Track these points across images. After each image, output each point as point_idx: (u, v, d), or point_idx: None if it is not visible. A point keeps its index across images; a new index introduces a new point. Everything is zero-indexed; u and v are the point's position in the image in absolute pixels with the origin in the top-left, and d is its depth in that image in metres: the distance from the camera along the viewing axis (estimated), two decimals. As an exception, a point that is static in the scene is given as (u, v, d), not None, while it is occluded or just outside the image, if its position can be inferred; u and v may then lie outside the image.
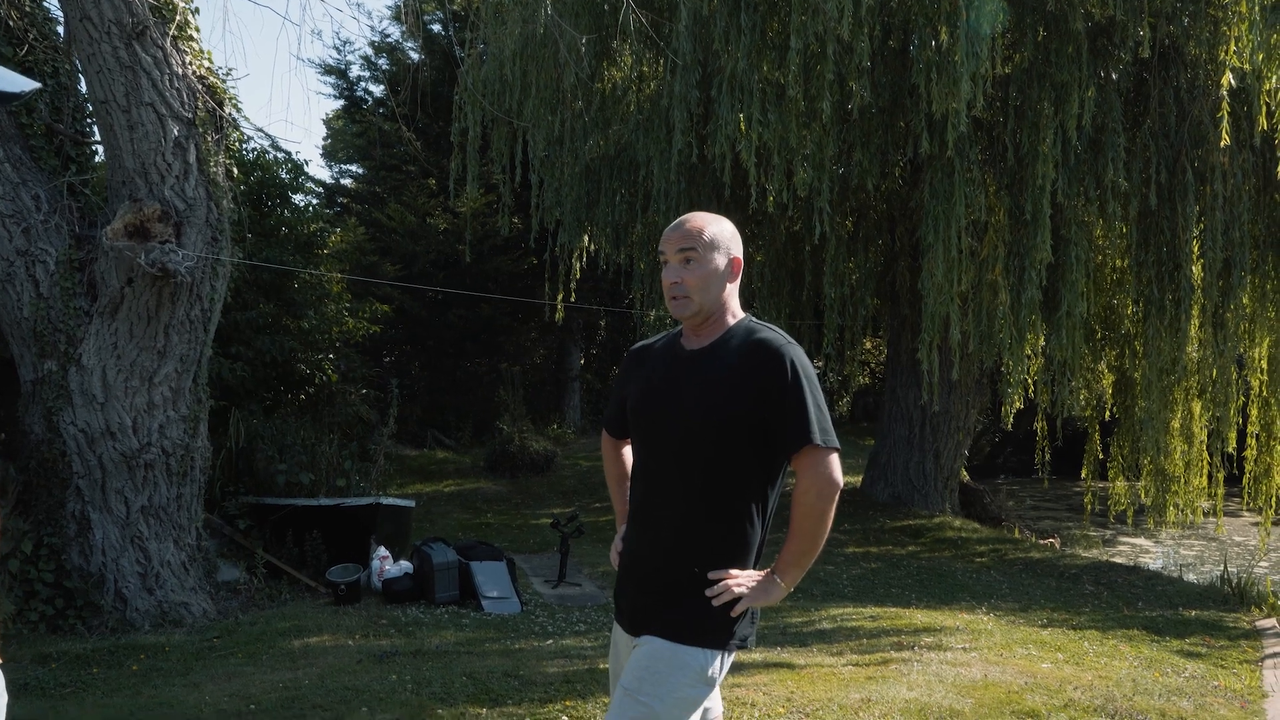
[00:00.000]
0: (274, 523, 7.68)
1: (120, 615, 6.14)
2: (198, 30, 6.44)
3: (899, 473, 12.79)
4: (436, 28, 18.23)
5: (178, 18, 6.21)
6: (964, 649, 5.68)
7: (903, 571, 9.36)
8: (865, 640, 6.01)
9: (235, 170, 6.96)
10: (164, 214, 6.08)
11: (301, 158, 13.91)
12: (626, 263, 13.09)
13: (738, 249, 2.63)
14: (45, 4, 6.70)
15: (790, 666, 5.17)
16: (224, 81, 6.60)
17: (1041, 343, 10.26)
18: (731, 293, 2.63)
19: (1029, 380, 10.89)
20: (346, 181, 21.22)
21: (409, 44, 18.73)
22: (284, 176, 11.73)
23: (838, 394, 22.27)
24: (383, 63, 19.48)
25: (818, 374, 3.08)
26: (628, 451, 2.92)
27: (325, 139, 24.39)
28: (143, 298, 6.11)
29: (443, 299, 16.84)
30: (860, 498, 12.91)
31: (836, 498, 2.51)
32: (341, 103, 20.12)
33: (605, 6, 11.41)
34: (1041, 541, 12.46)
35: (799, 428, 2.46)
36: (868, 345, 17.73)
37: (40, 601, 5.98)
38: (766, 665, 5.20)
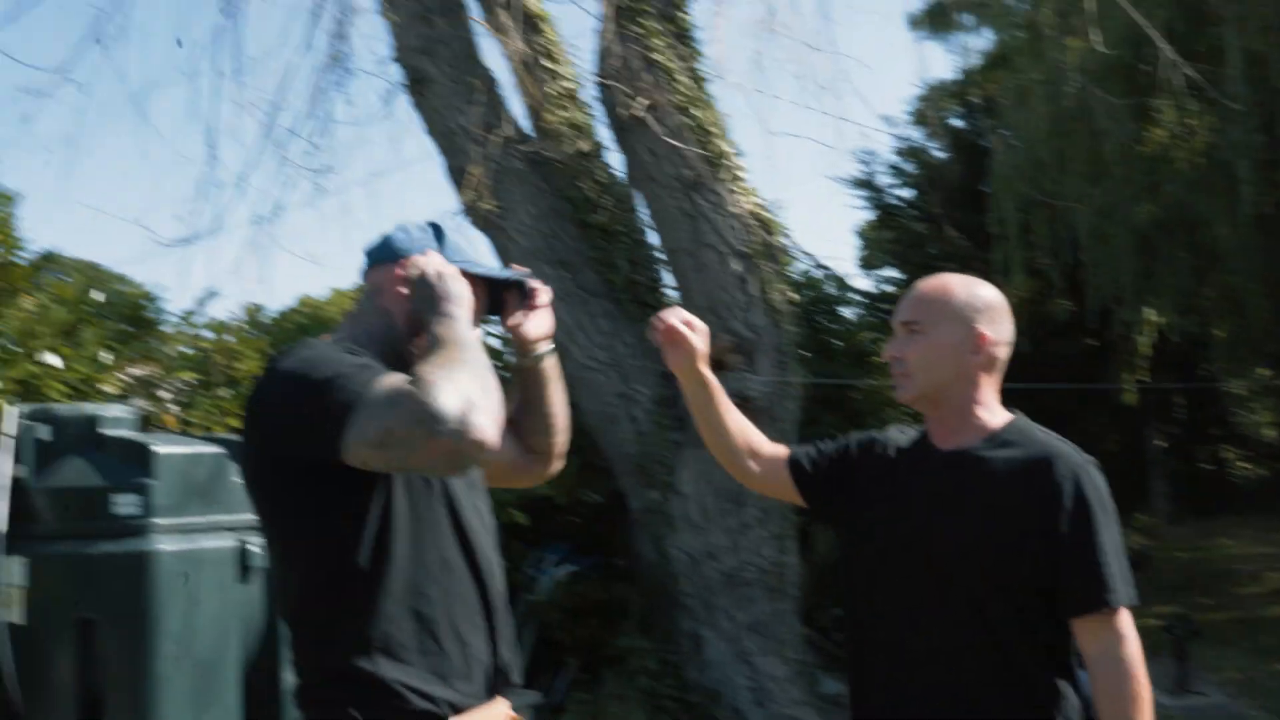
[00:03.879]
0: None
1: (737, 728, 6.45)
2: (745, 170, 6.91)
3: None
4: (958, 123, 18.19)
5: (727, 162, 6.72)
6: None
7: None
8: None
9: (793, 295, 7.30)
10: (736, 345, 6.50)
11: (843, 271, 14.49)
12: (1198, 331, 11.96)
13: (988, 324, 2.05)
14: (612, 171, 7.53)
15: None
16: (772, 213, 7.00)
17: None
18: (976, 378, 2.06)
19: None
20: (886, 288, 21.54)
21: (932, 145, 18.84)
22: (830, 291, 12.15)
23: None
24: (909, 166, 19.73)
25: None
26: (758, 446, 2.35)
27: (861, 250, 25.09)
28: (726, 424, 6.51)
29: (1001, 392, 16.36)
30: None
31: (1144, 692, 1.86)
32: (873, 213, 20.58)
33: (1139, 65, 10.76)
34: None
35: (1085, 582, 1.88)
36: None
37: (668, 715, 6.43)
38: None
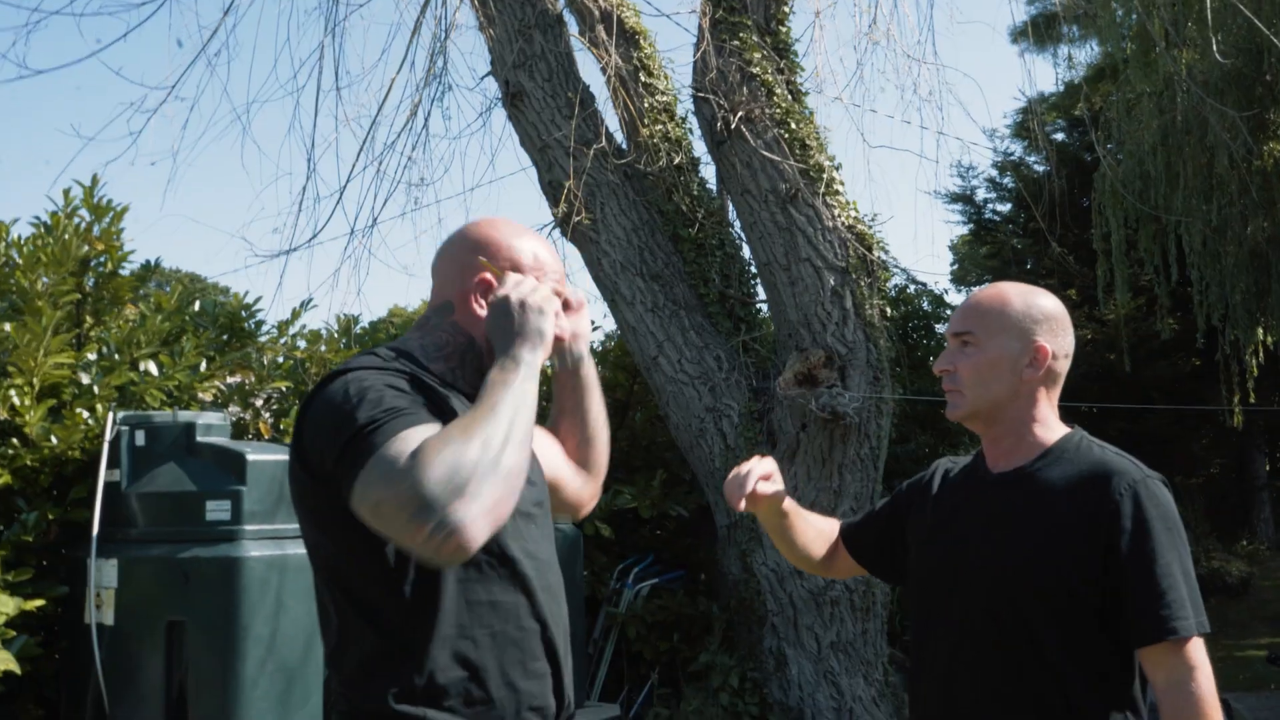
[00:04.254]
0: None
1: (821, 750, 6.34)
2: (843, 184, 6.81)
3: None
4: (1060, 136, 17.78)
5: (824, 175, 6.63)
6: None
7: None
8: None
9: (889, 310, 7.18)
10: (828, 360, 6.40)
11: (939, 287, 14.19)
12: (1312, 353, 11.52)
13: (1048, 336, 1.94)
14: (707, 185, 7.48)
15: None
16: (870, 227, 6.89)
17: None
18: (1037, 396, 1.95)
19: None
20: (984, 306, 21.15)
21: (1033, 158, 18.45)
22: (925, 308, 11.94)
23: None
24: (1007, 181, 19.35)
25: None
26: (823, 529, 2.28)
27: (952, 265, 24.70)
28: (816, 441, 6.43)
29: (1099, 413, 15.95)
30: None
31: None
32: (969, 227, 20.23)
33: (1255, 77, 10.40)
34: None
35: (1153, 610, 1.73)
36: None
37: (749, 734, 6.35)
38: None
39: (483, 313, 1.81)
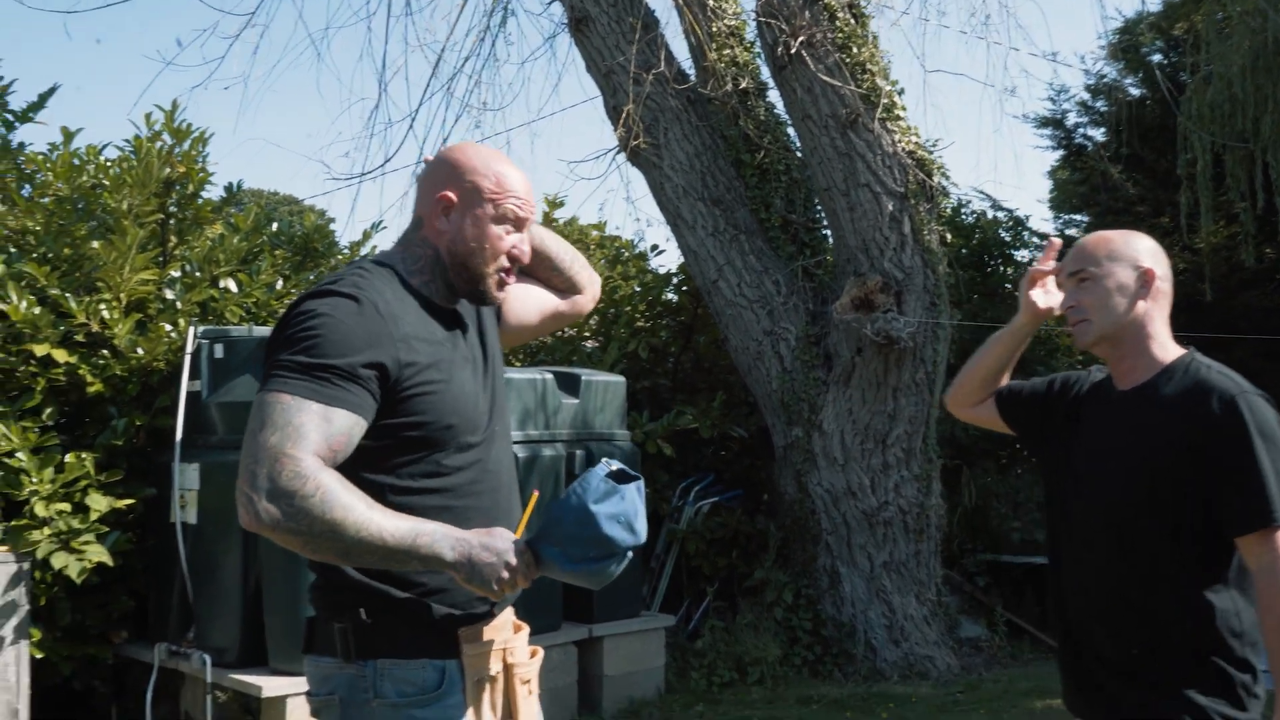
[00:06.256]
0: (1013, 580, 7.66)
1: (870, 664, 6.53)
2: (903, 109, 6.82)
3: None
4: (1158, 58, 17.21)
5: (884, 100, 6.64)
6: None
7: None
8: None
9: (949, 236, 7.19)
10: (885, 285, 6.48)
11: (1021, 213, 13.99)
12: None
13: (1151, 260, 2.18)
14: (775, 110, 7.52)
15: None
16: (930, 153, 6.89)
17: None
18: (1152, 316, 2.18)
19: None
20: (1071, 232, 20.72)
21: (1128, 80, 17.89)
22: (1004, 235, 11.83)
23: None
24: (1100, 104, 18.82)
25: None
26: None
27: (1051, 192, 24.11)
28: (871, 365, 6.54)
29: (1188, 343, 15.64)
30: None
31: None
32: (1060, 153, 19.75)
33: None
34: None
35: (1246, 503, 1.97)
36: None
37: (802, 648, 6.56)
38: None
39: (443, 228, 1.99)
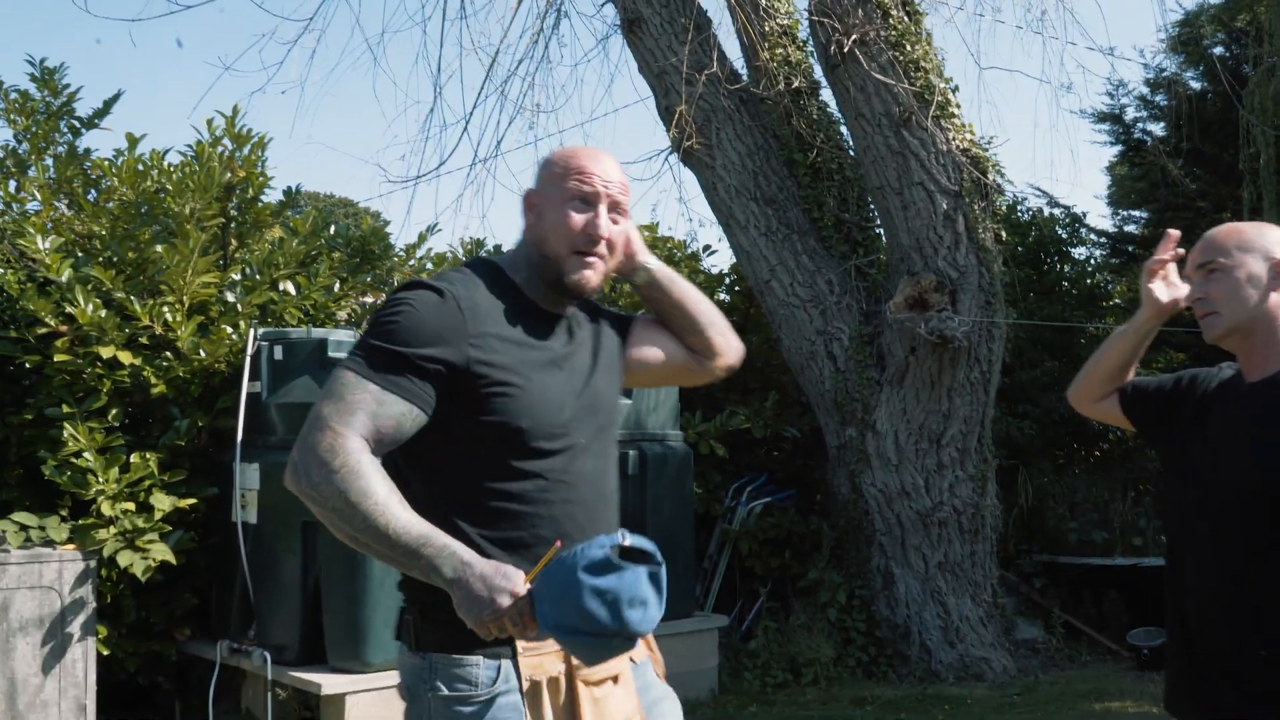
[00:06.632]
0: (1070, 581, 7.58)
1: (925, 666, 6.49)
2: (958, 106, 6.76)
3: None
4: (1219, 50, 16.90)
5: (938, 98, 6.60)
6: None
7: None
8: None
9: (1004, 234, 7.13)
10: (939, 284, 6.43)
11: (1078, 210, 13.80)
12: None
13: None
14: (828, 110, 7.49)
15: None
16: (985, 150, 6.83)
17: None
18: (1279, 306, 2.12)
19: None
20: (1130, 228, 20.39)
21: (1188, 74, 17.59)
22: (1060, 232, 11.69)
23: None
24: (1159, 99, 18.51)
25: None
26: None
27: (1109, 188, 23.74)
28: (925, 364, 6.50)
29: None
30: None
31: None
32: (1119, 148, 19.45)
33: None
34: None
35: None
36: None
37: (856, 648, 6.54)
38: None
39: (531, 223, 2.03)
